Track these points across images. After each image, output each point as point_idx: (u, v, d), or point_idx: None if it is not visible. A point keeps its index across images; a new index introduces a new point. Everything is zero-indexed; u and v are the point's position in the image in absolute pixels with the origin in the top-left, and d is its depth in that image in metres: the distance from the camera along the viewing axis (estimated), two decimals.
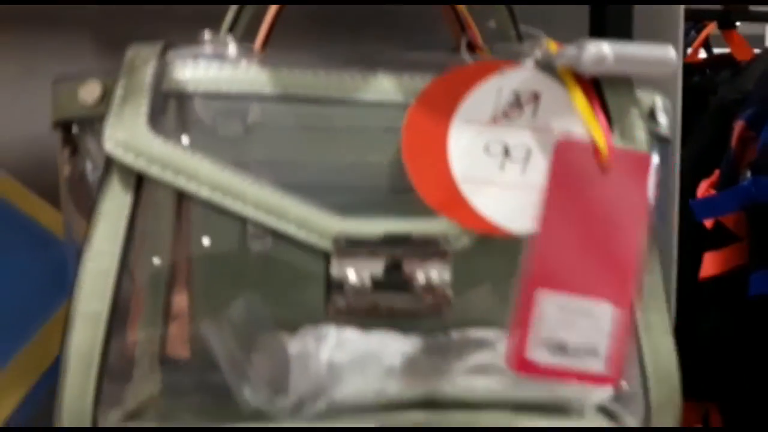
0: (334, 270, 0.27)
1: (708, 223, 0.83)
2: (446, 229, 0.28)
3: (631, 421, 0.31)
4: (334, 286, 0.27)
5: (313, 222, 0.27)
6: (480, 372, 0.33)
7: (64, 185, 0.30)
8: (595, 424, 0.32)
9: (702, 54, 1.21)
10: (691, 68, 1.14)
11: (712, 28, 1.14)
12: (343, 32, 0.49)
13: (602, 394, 0.33)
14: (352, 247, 0.28)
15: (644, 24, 0.57)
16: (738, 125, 0.82)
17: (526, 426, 0.32)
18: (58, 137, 0.30)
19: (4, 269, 0.36)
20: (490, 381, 0.32)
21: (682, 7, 0.58)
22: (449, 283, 0.28)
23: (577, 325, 0.28)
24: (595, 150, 0.28)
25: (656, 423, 0.30)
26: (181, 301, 0.32)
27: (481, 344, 0.33)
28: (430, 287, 0.28)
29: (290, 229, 0.27)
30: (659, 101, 0.33)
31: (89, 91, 0.28)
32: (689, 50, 1.20)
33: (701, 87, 1.09)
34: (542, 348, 0.28)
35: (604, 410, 0.33)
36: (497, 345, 0.33)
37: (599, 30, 0.45)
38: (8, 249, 0.36)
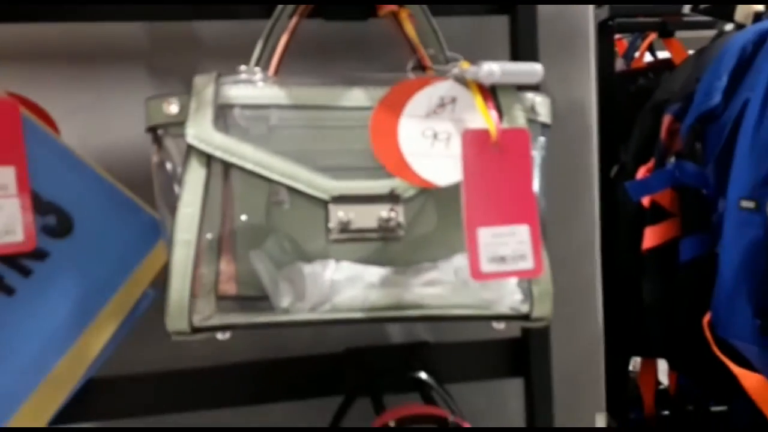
0: (331, 212, 0.44)
1: (645, 201, 0.98)
2: (399, 184, 0.45)
3: (525, 309, 0.48)
4: (332, 223, 0.44)
5: (317, 182, 0.45)
6: (430, 284, 0.50)
7: (154, 172, 0.47)
8: (504, 313, 0.49)
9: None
10: (636, 72, 1.30)
11: (653, 37, 1.31)
12: (331, 56, 0.67)
13: (514, 297, 0.50)
14: (342, 199, 0.45)
15: (560, 36, 0.73)
16: (666, 119, 0.96)
17: (462, 315, 0.48)
18: (150, 138, 0.47)
19: (103, 227, 0.51)
20: (437, 290, 0.49)
21: (591, 23, 0.75)
22: (402, 218, 0.45)
23: (508, 243, 0.45)
24: (488, 132, 0.45)
25: (537, 309, 0.47)
26: (228, 262, 0.48)
27: (430, 268, 0.50)
28: (389, 219, 0.45)
29: (301, 187, 0.45)
30: (538, 99, 0.50)
31: (172, 106, 0.46)
32: (636, 55, 1.37)
33: (646, 88, 1.24)
34: (489, 262, 0.45)
35: (513, 308, 0.49)
36: (441, 267, 0.50)
37: (514, 41, 0.61)
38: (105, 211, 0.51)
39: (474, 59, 0.50)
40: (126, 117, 0.63)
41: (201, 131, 0.44)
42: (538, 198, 0.49)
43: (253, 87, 0.47)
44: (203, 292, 0.49)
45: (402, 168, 0.45)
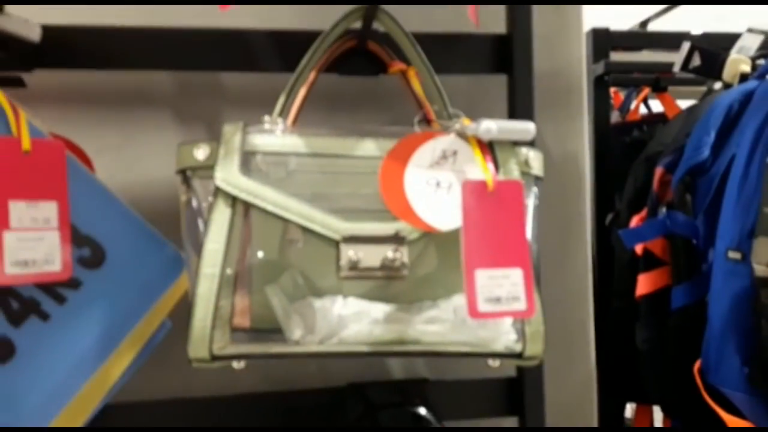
0: (342, 252, 0.49)
1: (638, 249, 1.01)
2: (404, 227, 0.50)
3: (518, 348, 0.52)
4: (342, 261, 0.49)
5: (330, 223, 0.49)
6: (430, 322, 0.54)
7: (182, 210, 0.52)
8: (499, 351, 0.52)
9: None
10: (632, 124, 1.36)
11: (647, 92, 1.37)
12: (344, 107, 0.72)
13: (509, 336, 0.54)
14: (352, 239, 0.49)
15: (556, 92, 0.79)
16: (658, 171, 1.01)
17: (459, 351, 0.52)
18: (179, 179, 0.52)
19: (131, 259, 0.55)
20: (437, 327, 0.53)
21: (585, 80, 0.80)
22: (406, 259, 0.49)
23: (503, 284, 0.49)
24: (486, 183, 0.50)
25: (529, 348, 0.51)
26: (243, 297, 0.52)
27: (431, 306, 0.54)
28: (394, 260, 0.49)
29: (315, 228, 0.49)
30: (532, 154, 0.55)
31: (202, 151, 0.51)
32: (632, 107, 1.43)
33: (640, 139, 1.29)
34: (485, 302, 0.49)
35: (507, 347, 0.53)
36: (441, 305, 0.54)
37: (512, 98, 0.67)
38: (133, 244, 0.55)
39: (475, 113, 0.55)
40: (152, 157, 0.69)
41: (228, 175, 0.49)
42: (530, 244, 0.53)
43: (275, 136, 0.52)
44: (219, 323, 0.53)
45: (407, 212, 0.50)
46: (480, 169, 0.51)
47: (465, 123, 0.53)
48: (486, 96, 0.72)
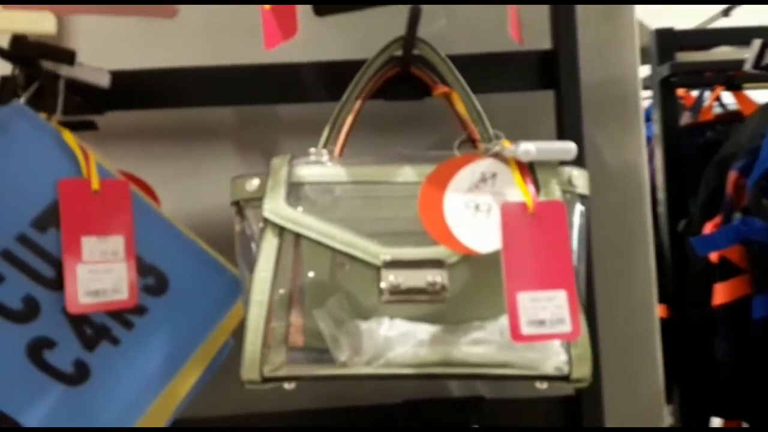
0: (383, 276, 0.50)
1: (713, 257, 0.97)
2: (443, 251, 0.51)
3: (566, 369, 0.51)
4: (383, 285, 0.50)
5: (371, 249, 0.51)
6: (477, 343, 0.54)
7: (237, 239, 0.55)
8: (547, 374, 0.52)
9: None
10: (704, 125, 1.30)
11: (720, 90, 1.31)
12: (393, 131, 0.74)
13: (559, 357, 0.53)
14: (393, 264, 0.51)
15: (609, 101, 0.77)
16: (732, 175, 0.97)
17: (505, 374, 0.52)
18: (234, 210, 0.56)
19: (193, 285, 0.59)
20: (483, 349, 0.54)
21: (639, 87, 0.78)
22: (446, 281, 0.50)
23: (546, 307, 0.49)
24: (525, 205, 0.50)
25: (576, 370, 0.50)
26: (297, 316, 0.55)
27: (477, 327, 0.55)
28: (434, 283, 0.50)
29: (357, 254, 0.51)
30: (575, 173, 0.54)
31: (252, 184, 0.54)
32: (704, 107, 1.37)
33: (714, 140, 1.24)
34: (528, 325, 0.49)
35: (557, 368, 0.53)
36: (487, 327, 0.54)
37: (560, 114, 0.66)
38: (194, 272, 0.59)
39: (526, 131, 0.55)
40: (214, 186, 0.73)
41: (275, 206, 0.52)
42: (576, 264, 0.53)
43: (319, 167, 0.54)
44: (275, 342, 0.56)
45: (446, 236, 0.51)
46: (519, 191, 0.51)
47: (505, 145, 0.53)
48: (537, 113, 0.72)
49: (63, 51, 0.58)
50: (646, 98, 1.12)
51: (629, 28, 0.77)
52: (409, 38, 0.58)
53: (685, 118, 1.34)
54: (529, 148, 0.51)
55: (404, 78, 0.67)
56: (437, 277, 0.50)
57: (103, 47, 0.76)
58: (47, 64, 0.60)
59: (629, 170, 0.78)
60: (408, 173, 0.54)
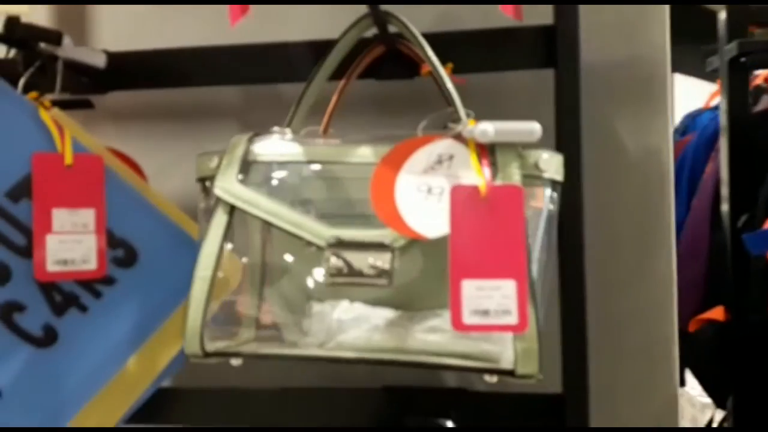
0: (326, 257, 0.49)
1: None
2: (389, 235, 0.49)
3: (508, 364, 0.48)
4: (326, 267, 0.49)
5: (316, 230, 0.50)
6: (432, 331, 0.52)
7: (200, 213, 0.56)
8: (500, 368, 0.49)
9: None
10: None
11: None
12: (391, 111, 0.72)
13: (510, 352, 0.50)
14: (337, 245, 0.49)
15: (635, 83, 0.71)
16: None
17: (456, 365, 0.50)
18: (199, 187, 0.56)
19: (163, 259, 0.60)
20: (437, 337, 0.51)
21: (668, 69, 0.71)
22: (390, 266, 0.48)
23: (492, 296, 0.46)
24: (477, 189, 0.47)
25: (521, 365, 0.46)
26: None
27: (434, 315, 0.52)
28: (376, 267, 0.48)
29: (305, 235, 0.50)
30: (545, 156, 0.50)
31: (212, 161, 0.54)
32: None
33: None
34: (471, 314, 0.47)
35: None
36: (443, 315, 0.51)
37: (559, 94, 0.61)
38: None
39: (527, 113, 0.51)
40: None
41: (226, 184, 0.52)
42: (538, 254, 0.49)
43: (276, 145, 0.54)
44: (246, 322, 0.57)
45: (394, 219, 0.48)
46: (475, 174, 0.48)
47: (471, 124, 0.50)
48: (539, 94, 0.67)
49: (51, 32, 0.60)
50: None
51: (658, 6, 0.70)
52: (376, 13, 0.56)
53: (764, 103, 1.21)
54: (486, 129, 0.48)
55: (395, 56, 0.65)
56: (379, 261, 0.48)
57: (125, 29, 0.80)
58: (46, 47, 0.63)
59: (652, 157, 0.71)
60: (366, 153, 0.52)
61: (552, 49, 0.61)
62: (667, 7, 0.71)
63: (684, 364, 1.23)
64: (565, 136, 0.60)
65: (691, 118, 1.47)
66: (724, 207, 1.10)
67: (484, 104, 0.56)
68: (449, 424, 0.60)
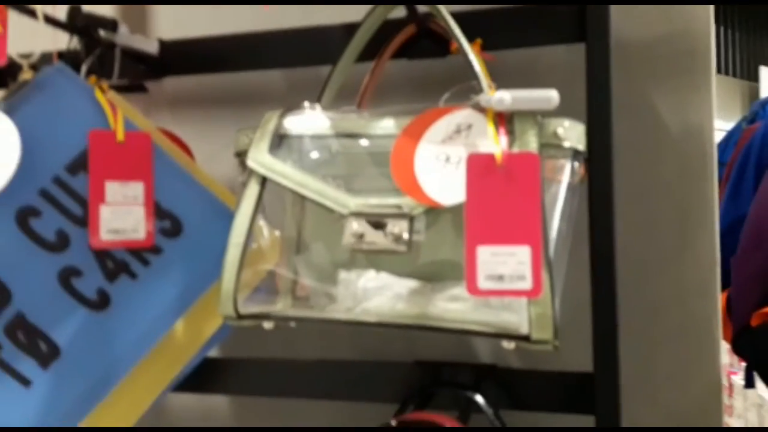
0: (348, 225, 0.51)
1: None
2: (408, 202, 0.50)
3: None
4: (350, 234, 0.51)
5: (340, 199, 0.52)
6: (453, 300, 0.53)
7: (239, 188, 0.59)
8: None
9: None
10: None
11: None
12: (413, 90, 0.73)
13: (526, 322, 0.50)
14: (359, 214, 0.51)
15: (676, 57, 0.69)
16: None
17: (477, 330, 0.51)
18: (237, 162, 0.60)
19: (206, 230, 0.63)
20: (458, 305, 0.53)
21: (712, 42, 0.69)
22: (409, 233, 0.50)
23: (507, 262, 0.47)
24: (493, 156, 0.48)
25: (536, 331, 0.47)
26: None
27: (455, 284, 0.53)
28: (395, 234, 0.50)
29: (329, 204, 0.52)
30: (566, 124, 0.50)
31: (248, 136, 0.57)
32: None
33: None
34: (486, 279, 0.48)
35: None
36: (464, 285, 0.53)
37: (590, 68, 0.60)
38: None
39: (561, 90, 0.51)
40: None
41: (258, 155, 0.55)
42: (557, 223, 0.49)
43: (304, 119, 0.56)
44: (283, 291, 0.60)
45: (413, 187, 0.50)
46: (492, 142, 0.49)
47: (491, 94, 0.51)
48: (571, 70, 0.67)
49: (107, 20, 0.66)
50: None
51: None
52: None
53: None
54: (503, 97, 0.49)
55: (427, 36, 0.67)
56: (397, 228, 0.50)
57: (181, 18, 0.85)
58: (104, 35, 0.68)
59: (693, 135, 0.70)
60: (388, 125, 0.54)
61: (582, 21, 0.61)
62: None
63: (748, 361, 1.17)
64: (595, 111, 0.59)
65: (761, 106, 1.40)
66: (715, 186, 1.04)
67: (518, 82, 0.57)
68: (479, 398, 0.61)
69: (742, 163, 1.23)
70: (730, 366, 2.21)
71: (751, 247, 1.14)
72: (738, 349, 1.10)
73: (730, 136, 1.39)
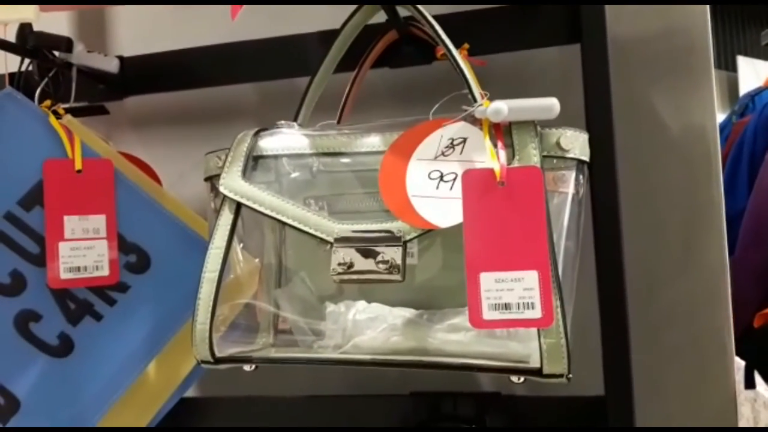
0: (334, 253, 0.46)
1: None
2: (401, 226, 0.45)
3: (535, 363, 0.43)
4: (334, 263, 0.46)
5: (323, 225, 0.47)
6: (453, 330, 0.48)
7: (209, 214, 0.54)
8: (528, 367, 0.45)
9: None
10: None
11: None
12: (397, 101, 0.69)
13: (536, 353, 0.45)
14: (345, 240, 0.46)
15: (675, 57, 0.65)
16: None
17: (481, 365, 0.46)
18: (208, 187, 0.54)
19: (176, 263, 0.58)
20: (459, 336, 0.48)
21: (710, 42, 0.65)
22: (402, 259, 0.45)
23: (513, 289, 0.43)
24: (492, 172, 0.43)
25: (548, 364, 0.42)
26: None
27: (455, 313, 0.49)
28: (388, 262, 0.45)
29: (311, 231, 0.47)
30: (568, 134, 0.46)
31: (218, 160, 0.52)
32: None
33: None
34: (491, 309, 0.43)
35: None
36: (465, 313, 0.48)
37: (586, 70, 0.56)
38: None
39: (557, 95, 0.47)
40: None
41: (230, 181, 0.50)
42: (564, 241, 0.45)
43: (282, 139, 0.51)
44: (263, 327, 0.54)
45: (405, 209, 0.45)
46: (489, 157, 0.44)
47: (486, 105, 0.46)
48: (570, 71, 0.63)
49: (61, 39, 0.60)
50: None
51: None
52: None
53: None
54: (500, 107, 0.44)
55: (409, 42, 0.62)
56: (390, 255, 0.45)
57: (143, 33, 0.79)
58: (59, 55, 0.63)
59: (695, 136, 0.66)
60: (374, 142, 0.49)
61: (576, 22, 0.57)
62: None
63: (751, 363, 1.14)
64: (595, 115, 0.55)
65: (750, 98, 1.37)
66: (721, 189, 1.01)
67: (510, 88, 0.52)
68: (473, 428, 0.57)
69: (735, 158, 1.20)
70: None
71: (750, 245, 1.10)
72: (739, 351, 1.06)
73: (720, 130, 1.37)
